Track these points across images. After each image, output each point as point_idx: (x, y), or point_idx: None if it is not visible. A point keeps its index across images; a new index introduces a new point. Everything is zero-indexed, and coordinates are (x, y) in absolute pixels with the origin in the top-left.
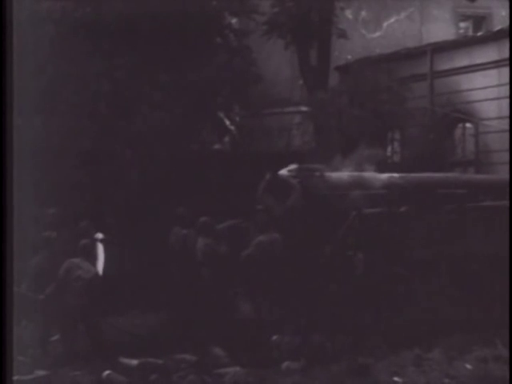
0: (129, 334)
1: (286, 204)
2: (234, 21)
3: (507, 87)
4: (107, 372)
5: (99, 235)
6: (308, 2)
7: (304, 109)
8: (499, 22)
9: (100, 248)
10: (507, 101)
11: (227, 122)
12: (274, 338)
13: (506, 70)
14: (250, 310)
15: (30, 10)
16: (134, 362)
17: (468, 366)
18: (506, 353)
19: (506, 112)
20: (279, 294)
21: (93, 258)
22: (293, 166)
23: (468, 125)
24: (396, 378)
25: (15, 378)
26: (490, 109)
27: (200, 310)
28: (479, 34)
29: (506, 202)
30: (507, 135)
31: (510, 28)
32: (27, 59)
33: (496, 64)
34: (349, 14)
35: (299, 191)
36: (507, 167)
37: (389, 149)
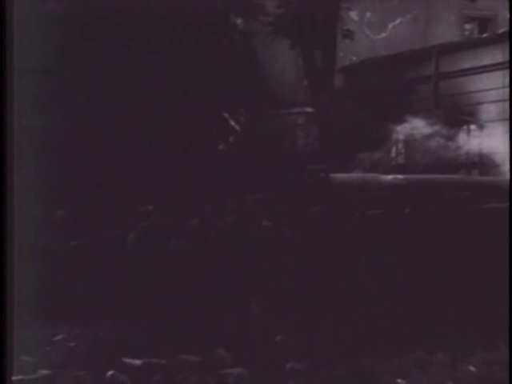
0: None
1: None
2: (239, 21)
3: None
4: (111, 372)
5: None
6: (313, 4)
7: (309, 110)
8: (504, 23)
9: None
10: None
11: (232, 123)
12: (278, 338)
13: None
14: (254, 310)
15: (32, 11)
16: (138, 362)
17: (472, 369)
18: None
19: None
20: (282, 294)
21: None
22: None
23: (472, 126)
24: (399, 380)
25: (18, 377)
26: (495, 111)
27: (203, 309)
28: (484, 35)
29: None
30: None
31: (510, 30)
32: (29, 60)
33: (501, 66)
34: (354, 15)
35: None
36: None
37: (393, 150)
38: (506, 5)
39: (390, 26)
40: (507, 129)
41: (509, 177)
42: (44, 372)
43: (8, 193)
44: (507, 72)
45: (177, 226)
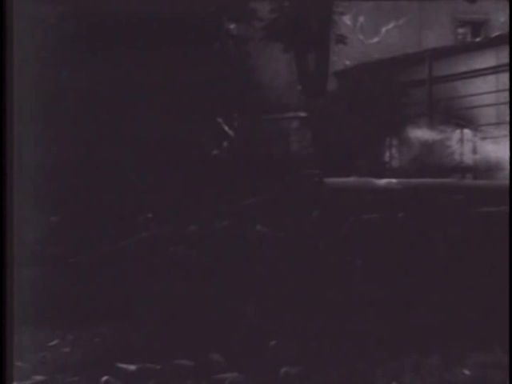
0: None
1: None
2: (232, 26)
3: (505, 93)
4: (105, 377)
5: None
6: (306, 8)
7: (302, 114)
8: (498, 27)
9: None
10: (505, 107)
11: (226, 128)
12: (273, 343)
13: (505, 75)
14: (249, 314)
15: (31, 15)
16: (132, 367)
17: (466, 372)
18: (504, 359)
19: (504, 118)
20: (277, 299)
21: None
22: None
23: (466, 130)
24: None
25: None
26: (489, 115)
27: (198, 314)
28: (478, 39)
29: (504, 208)
30: (505, 141)
31: (510, 33)
32: (28, 66)
33: (494, 70)
34: (347, 19)
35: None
36: (505, 173)
37: (387, 154)
38: (499, 8)
39: (384, 30)
40: (502, 133)
41: (503, 181)
42: (38, 378)
43: (8, 200)
44: (501, 76)
45: (172, 232)
